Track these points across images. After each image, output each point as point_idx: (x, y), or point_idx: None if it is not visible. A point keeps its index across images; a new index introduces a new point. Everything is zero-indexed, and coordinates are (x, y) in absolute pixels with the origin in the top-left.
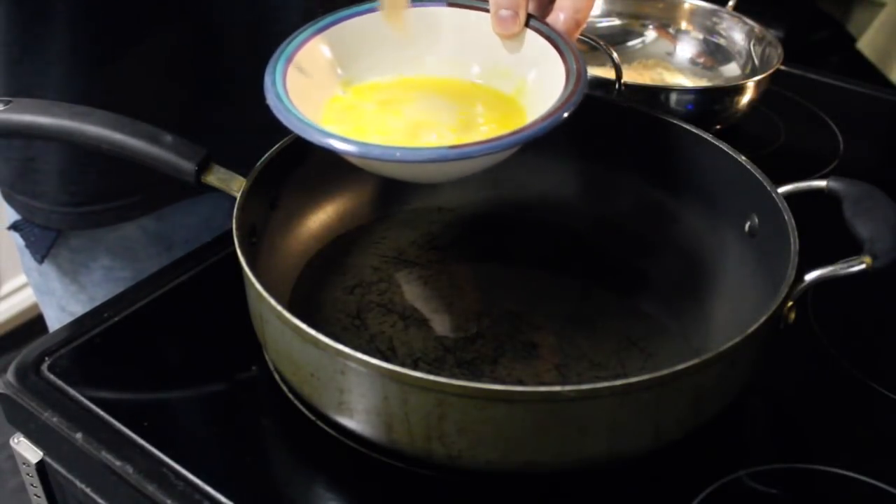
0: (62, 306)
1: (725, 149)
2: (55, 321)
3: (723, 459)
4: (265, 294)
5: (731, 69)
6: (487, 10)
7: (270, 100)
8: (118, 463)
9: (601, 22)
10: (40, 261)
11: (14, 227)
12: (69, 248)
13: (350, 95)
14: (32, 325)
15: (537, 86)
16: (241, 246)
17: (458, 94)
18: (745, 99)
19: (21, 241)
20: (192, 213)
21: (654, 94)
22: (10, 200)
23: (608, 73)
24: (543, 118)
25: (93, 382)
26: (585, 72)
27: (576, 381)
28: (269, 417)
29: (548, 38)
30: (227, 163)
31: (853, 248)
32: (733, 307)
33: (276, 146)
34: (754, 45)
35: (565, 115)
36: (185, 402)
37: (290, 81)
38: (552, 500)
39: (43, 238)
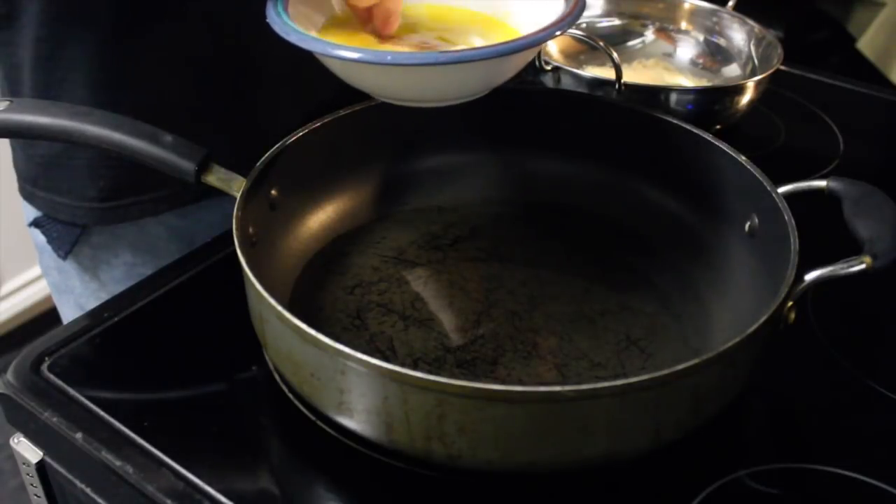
0: (81, 304)
1: (725, 149)
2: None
3: (723, 459)
4: (265, 294)
5: (732, 69)
6: None
7: (270, 16)
8: (118, 463)
9: (601, 22)
10: (64, 257)
11: (35, 223)
12: (90, 244)
13: (347, 19)
14: (32, 325)
15: (540, 20)
16: (241, 246)
17: (459, 22)
18: (745, 99)
19: (41, 239)
20: (214, 210)
21: (654, 94)
22: (32, 198)
23: (608, 73)
24: (537, 32)
25: (93, 382)
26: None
27: (576, 381)
28: (269, 417)
29: None
30: (232, 163)
31: (853, 248)
32: (733, 307)
33: (276, 146)
34: (754, 45)
35: (557, 32)
36: (185, 402)
37: (291, 7)
38: (552, 500)
39: (67, 234)
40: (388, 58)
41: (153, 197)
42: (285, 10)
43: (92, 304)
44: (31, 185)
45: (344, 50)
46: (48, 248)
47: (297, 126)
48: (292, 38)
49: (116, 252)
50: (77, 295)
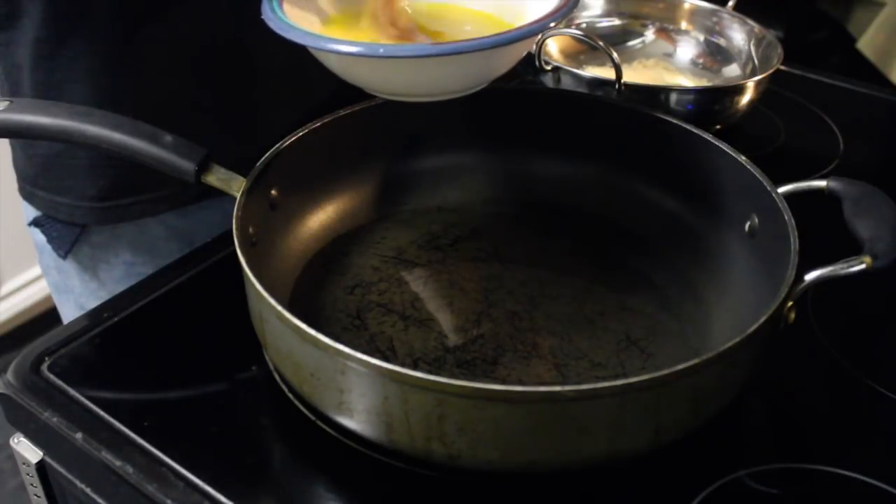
0: (81, 304)
1: (725, 149)
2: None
3: (723, 459)
4: (265, 294)
5: (732, 69)
6: None
7: (265, 11)
8: (118, 463)
9: (601, 22)
10: (64, 257)
11: (35, 223)
12: (90, 244)
13: (344, 20)
14: (32, 325)
15: (534, 15)
16: (241, 246)
17: (456, 18)
18: (745, 99)
19: (41, 238)
20: (214, 210)
21: (654, 94)
22: (31, 198)
23: (608, 73)
24: (529, 24)
25: (93, 382)
26: None
27: (576, 381)
28: (269, 417)
29: None
30: (232, 163)
31: (853, 248)
32: (733, 307)
33: (276, 146)
34: (754, 45)
35: (552, 24)
36: (185, 402)
37: (286, 4)
38: (552, 500)
39: (66, 234)
40: (381, 50)
41: (153, 197)
42: (280, 6)
43: (92, 303)
44: (30, 184)
45: (337, 44)
46: (48, 247)
47: (297, 126)
48: (287, 34)
49: (116, 252)
50: (77, 294)
